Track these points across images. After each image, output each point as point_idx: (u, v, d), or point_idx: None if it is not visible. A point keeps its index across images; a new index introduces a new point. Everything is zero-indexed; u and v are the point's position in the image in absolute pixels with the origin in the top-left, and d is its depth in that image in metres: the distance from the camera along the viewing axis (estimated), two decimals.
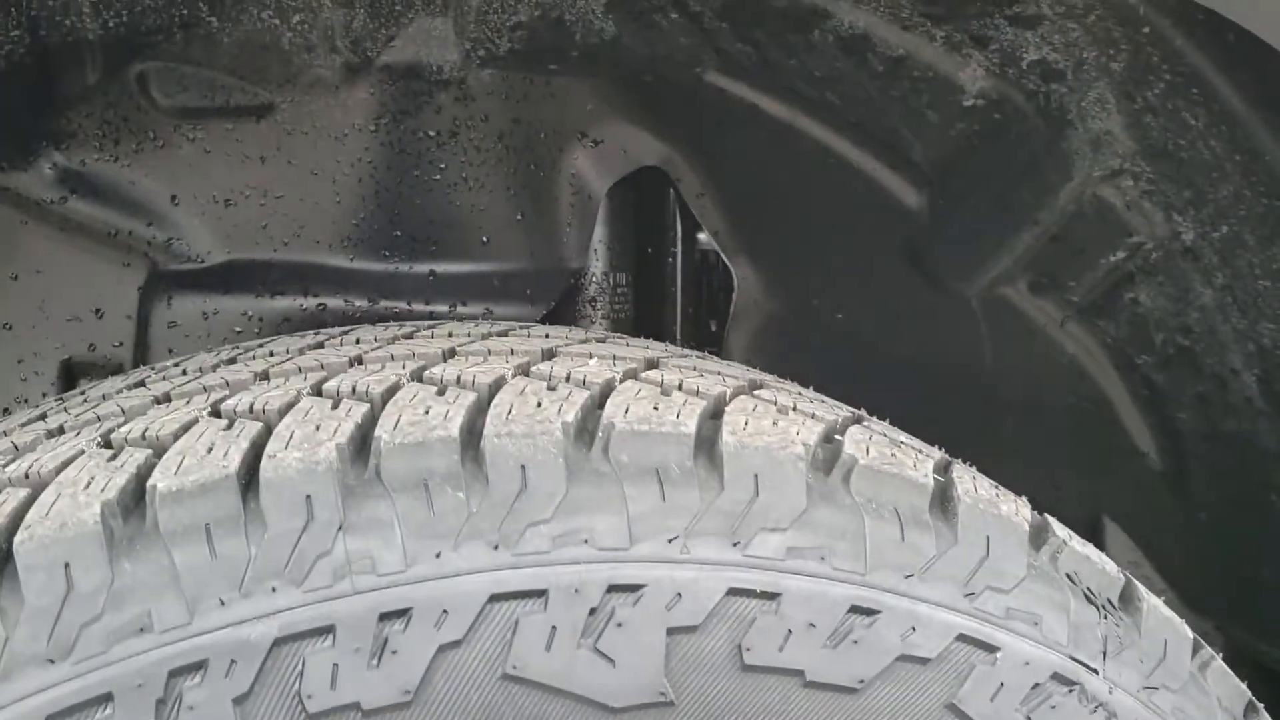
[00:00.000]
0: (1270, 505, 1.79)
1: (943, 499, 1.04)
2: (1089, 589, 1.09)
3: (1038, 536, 1.08)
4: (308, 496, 0.85)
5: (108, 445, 0.93)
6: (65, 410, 1.08)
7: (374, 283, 1.70)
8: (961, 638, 0.97)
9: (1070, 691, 1.01)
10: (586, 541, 0.89)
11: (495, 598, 0.86)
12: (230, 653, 0.81)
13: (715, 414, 1.01)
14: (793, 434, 0.99)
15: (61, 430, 1.01)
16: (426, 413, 0.92)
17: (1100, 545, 2.08)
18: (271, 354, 1.15)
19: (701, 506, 0.92)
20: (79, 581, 0.81)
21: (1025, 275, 1.82)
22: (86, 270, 1.69)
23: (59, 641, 0.80)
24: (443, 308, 1.72)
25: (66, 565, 0.81)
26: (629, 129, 1.78)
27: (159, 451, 0.90)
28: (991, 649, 0.98)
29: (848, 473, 0.99)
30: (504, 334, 1.23)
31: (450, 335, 1.22)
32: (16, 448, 0.98)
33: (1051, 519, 1.12)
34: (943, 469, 1.07)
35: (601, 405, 0.98)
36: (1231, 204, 1.53)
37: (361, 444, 0.91)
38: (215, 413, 0.96)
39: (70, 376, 1.71)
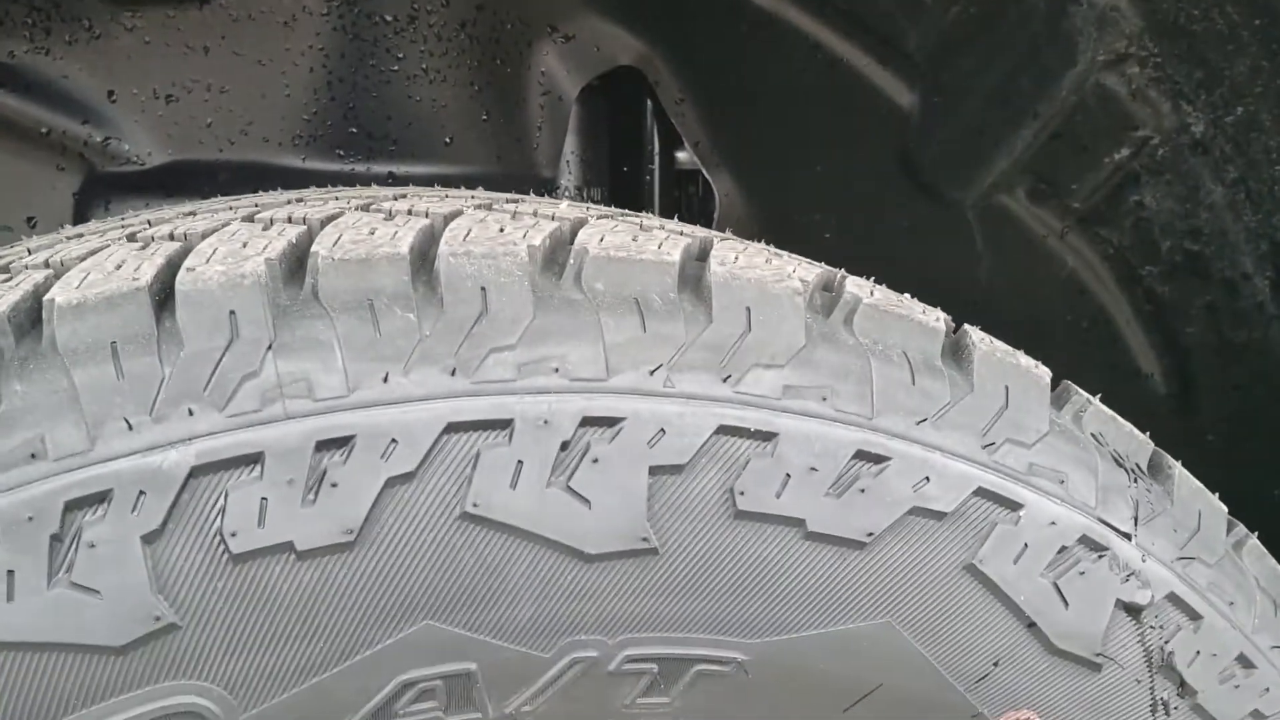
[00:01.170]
0: None
1: (955, 346, 0.93)
2: (1116, 451, 0.98)
3: (1061, 394, 0.97)
4: (231, 312, 0.73)
5: (4, 271, 0.81)
6: None
7: (328, 184, 1.58)
8: (980, 492, 0.86)
9: (1100, 557, 0.90)
10: (557, 371, 0.77)
11: (452, 427, 0.74)
12: (138, 483, 0.69)
13: (700, 254, 0.89)
14: (788, 270, 0.88)
15: None
16: (372, 233, 0.81)
17: None
18: (205, 204, 1.03)
19: (687, 339, 0.81)
20: None
21: (1024, 180, 1.72)
22: (16, 174, 1.57)
23: None
24: None
25: None
26: (603, 24, 1.66)
27: (61, 273, 0.78)
28: (1014, 506, 0.87)
29: (850, 313, 0.88)
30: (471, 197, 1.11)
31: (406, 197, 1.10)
32: None
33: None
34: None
35: (573, 240, 0.86)
36: (1248, 80, 1.43)
37: (297, 264, 0.79)
38: (130, 239, 0.84)
39: None
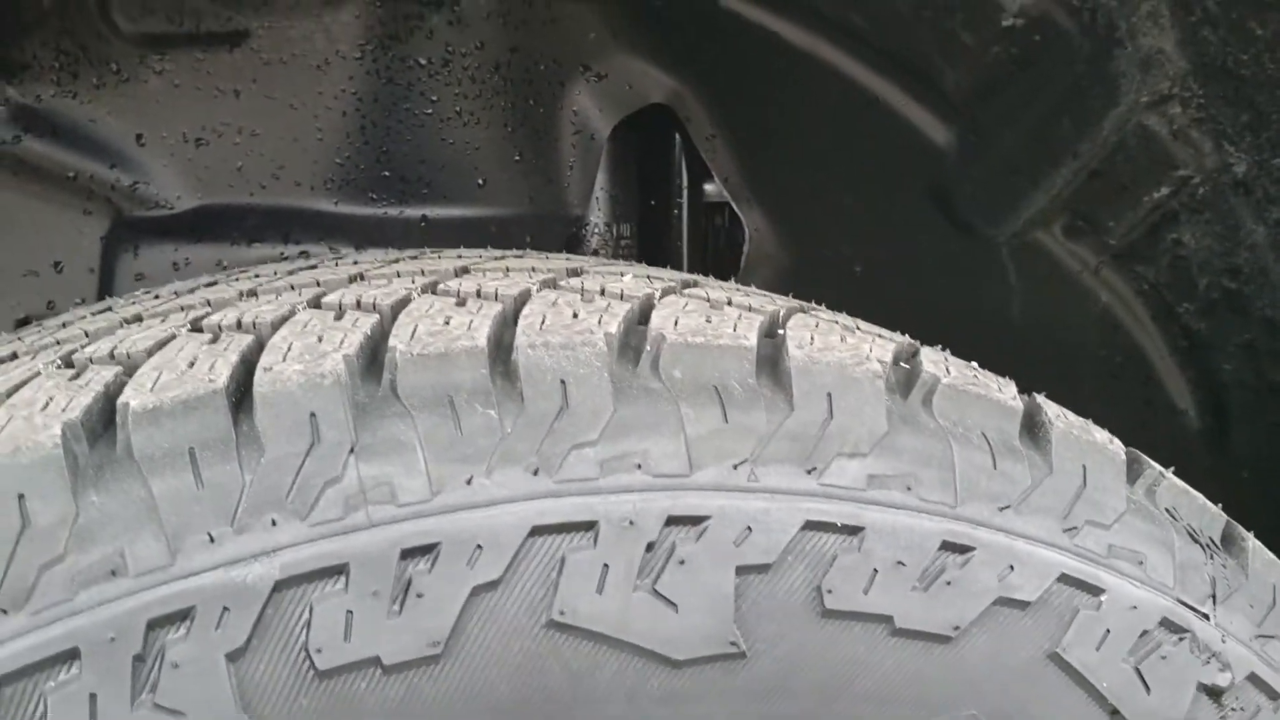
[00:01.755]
0: None
1: (1031, 424, 0.92)
2: (1191, 526, 0.96)
3: (1133, 467, 0.96)
4: (312, 414, 0.71)
5: (69, 365, 0.79)
6: (18, 340, 0.93)
7: (361, 229, 1.56)
8: (1064, 578, 0.84)
9: (1180, 640, 0.89)
10: (639, 467, 0.75)
11: (537, 530, 0.72)
12: (222, 599, 0.67)
13: (772, 331, 0.87)
14: (865, 350, 0.86)
15: (14, 356, 0.86)
16: (447, 323, 0.79)
17: None
18: (258, 275, 1.01)
19: (769, 429, 0.79)
20: (36, 516, 0.67)
21: (1060, 217, 1.71)
22: (43, 219, 1.54)
23: (13, 587, 0.66)
24: None
25: (20, 497, 0.67)
26: (635, 62, 1.65)
27: (130, 370, 0.75)
28: (1095, 591, 0.86)
29: (929, 393, 0.86)
30: (520, 255, 1.09)
31: (460, 256, 1.08)
32: None
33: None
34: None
35: (645, 319, 0.84)
36: None
37: (372, 357, 0.77)
38: (196, 329, 0.82)
39: None
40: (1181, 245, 1.66)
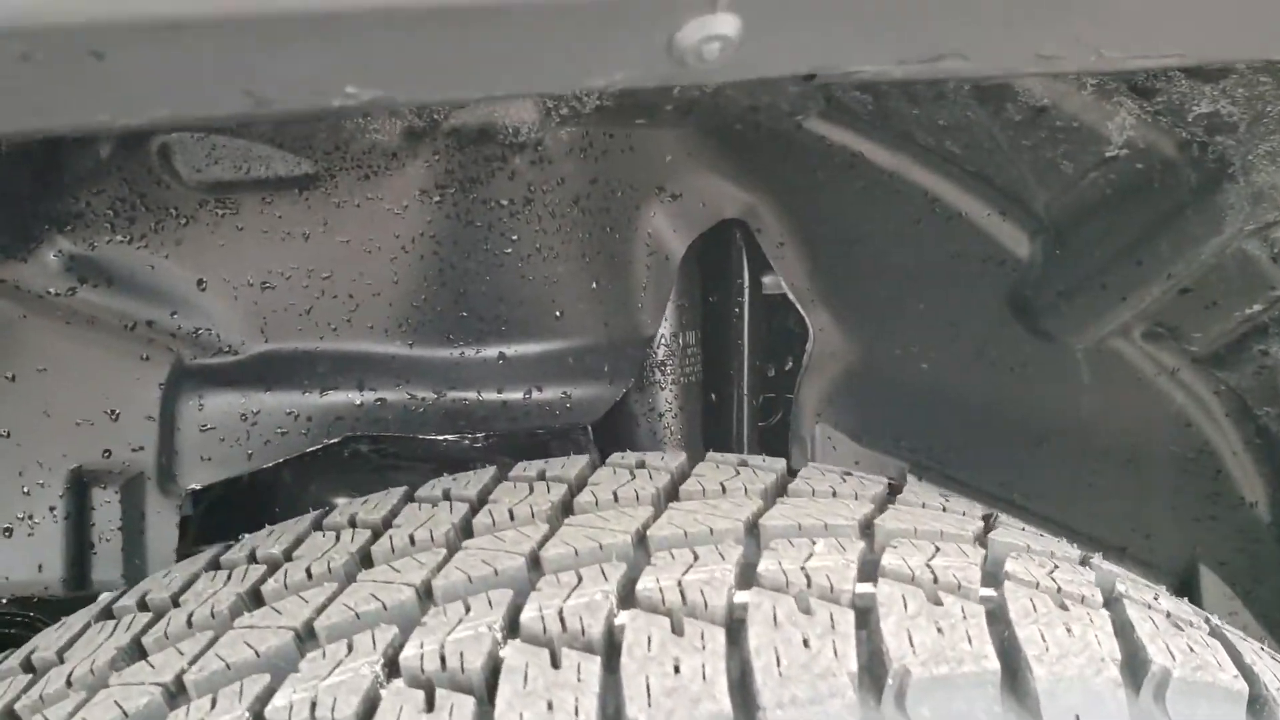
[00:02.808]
0: None
1: (1255, 704, 0.88)
2: None
3: None
4: None
5: None
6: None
7: (438, 371, 1.49)
8: None
9: None
10: None
11: None
12: None
13: (996, 618, 0.83)
14: (1097, 647, 0.81)
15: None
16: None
17: (1195, 594, 1.96)
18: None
19: None
20: None
21: (1142, 325, 1.68)
22: (98, 366, 1.45)
23: None
24: (516, 395, 1.51)
25: None
26: (711, 179, 1.58)
27: None
28: None
29: (1160, 689, 0.82)
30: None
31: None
32: None
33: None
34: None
35: (868, 627, 0.79)
36: None
37: None
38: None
39: (81, 486, 1.48)
40: (1268, 355, 1.64)
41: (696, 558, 0.86)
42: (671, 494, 1.01)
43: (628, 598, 0.81)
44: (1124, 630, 0.87)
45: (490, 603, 0.81)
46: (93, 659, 0.88)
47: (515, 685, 0.72)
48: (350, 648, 0.79)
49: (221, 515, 1.56)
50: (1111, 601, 0.91)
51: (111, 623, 0.98)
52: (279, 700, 0.75)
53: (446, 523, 0.95)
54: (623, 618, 0.78)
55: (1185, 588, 1.98)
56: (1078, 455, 1.93)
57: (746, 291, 1.81)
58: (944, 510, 1.10)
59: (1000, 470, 2.00)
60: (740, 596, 0.81)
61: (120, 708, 0.78)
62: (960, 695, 0.75)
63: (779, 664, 0.74)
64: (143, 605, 0.99)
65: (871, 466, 2.03)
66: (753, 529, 0.93)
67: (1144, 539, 1.95)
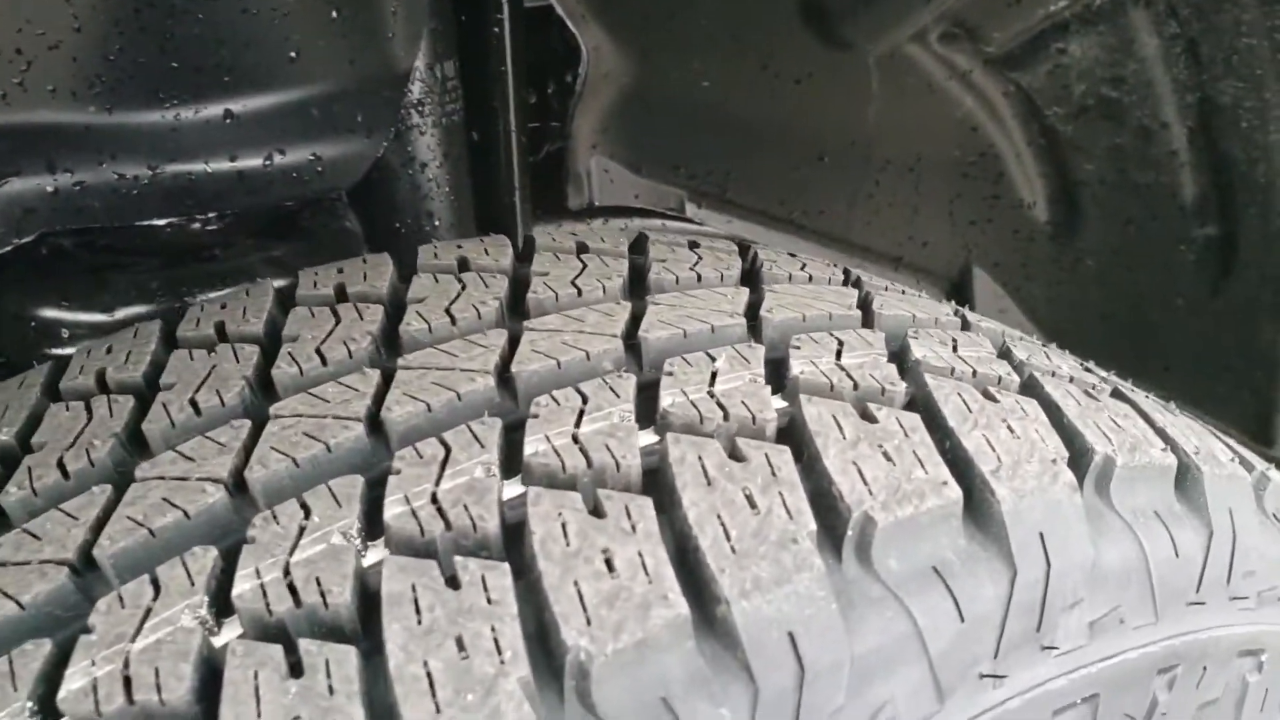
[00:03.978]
0: (1176, 253, 1.71)
1: (1183, 476, 0.80)
2: None
3: (1258, 481, 0.87)
4: None
5: None
6: None
7: (150, 141, 1.18)
8: (1240, 654, 0.77)
9: None
10: None
11: None
12: None
13: (933, 425, 0.70)
14: (1043, 446, 0.71)
15: None
16: None
17: (968, 295, 1.97)
18: None
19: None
20: None
21: (941, 26, 1.56)
22: None
23: None
24: (254, 162, 1.23)
25: None
26: None
27: None
28: (1257, 653, 0.79)
29: (1103, 480, 0.73)
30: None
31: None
32: None
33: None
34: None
35: (803, 461, 0.65)
36: None
37: None
38: None
39: None
40: (1065, 54, 1.57)
41: (585, 399, 0.67)
42: (514, 306, 0.81)
43: (513, 467, 0.63)
44: (1056, 417, 0.76)
45: (337, 499, 0.61)
46: None
47: (405, 621, 0.54)
48: (157, 588, 0.58)
49: None
50: (1027, 382, 0.80)
51: None
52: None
53: (238, 379, 0.73)
54: (515, 495, 0.61)
55: (958, 290, 1.98)
56: (860, 168, 1.84)
57: (506, 7, 1.55)
58: (804, 270, 0.95)
59: (781, 189, 1.88)
60: (648, 441, 0.65)
61: None
62: (926, 536, 0.63)
63: (728, 537, 0.59)
64: None
65: (650, 199, 1.87)
66: (631, 342, 0.75)
67: (920, 247, 1.92)
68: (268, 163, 1.23)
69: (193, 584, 0.58)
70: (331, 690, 0.51)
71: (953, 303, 1.05)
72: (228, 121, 1.21)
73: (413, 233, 1.50)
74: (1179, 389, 1.67)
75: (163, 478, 0.65)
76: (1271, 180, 1.49)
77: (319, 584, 0.56)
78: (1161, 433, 0.82)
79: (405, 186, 1.48)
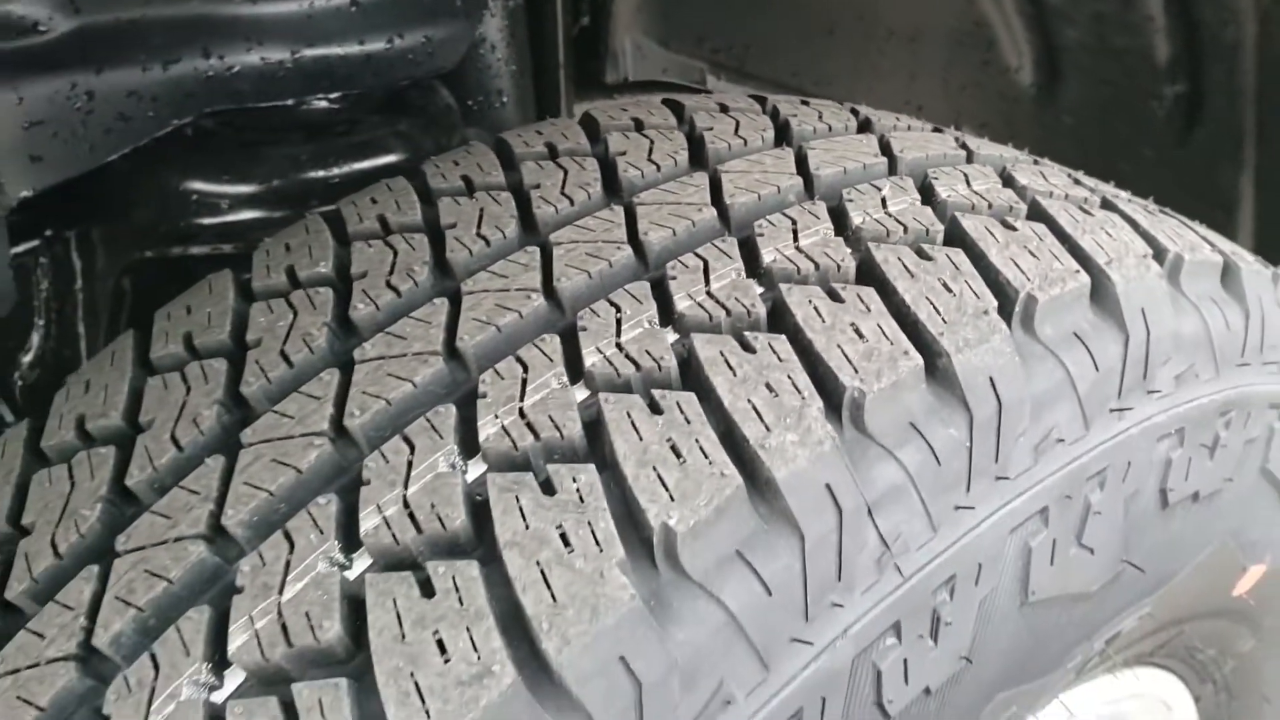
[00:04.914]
0: (1147, 109, 1.92)
1: (1226, 272, 1.03)
2: None
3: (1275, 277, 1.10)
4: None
5: None
6: None
7: (289, 28, 1.33)
8: (1272, 405, 1.01)
9: None
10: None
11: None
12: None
13: (1059, 233, 0.91)
14: (1136, 245, 0.93)
15: None
16: None
17: None
18: None
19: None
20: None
21: None
22: None
23: None
24: (379, 45, 1.38)
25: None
26: None
27: None
28: None
29: (1174, 270, 0.95)
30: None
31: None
32: None
33: None
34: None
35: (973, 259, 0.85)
36: None
37: None
38: None
39: None
40: None
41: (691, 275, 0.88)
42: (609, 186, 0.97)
43: (576, 374, 0.83)
44: (1137, 226, 0.98)
45: (436, 429, 0.74)
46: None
47: (515, 527, 0.67)
48: (290, 542, 0.69)
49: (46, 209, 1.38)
50: (1105, 202, 1.01)
51: None
52: None
53: (319, 325, 0.85)
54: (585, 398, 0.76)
55: None
56: (865, 39, 2.02)
57: None
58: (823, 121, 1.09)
59: (795, 61, 2.06)
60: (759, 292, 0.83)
61: None
62: (1067, 310, 0.84)
63: (938, 311, 0.79)
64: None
65: (675, 72, 2.04)
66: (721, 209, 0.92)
67: (915, 110, 2.11)
68: (389, 45, 1.38)
69: (321, 531, 0.68)
70: (461, 601, 0.63)
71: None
72: (353, 9, 1.36)
73: (484, 110, 1.66)
74: None
75: (268, 440, 0.75)
76: (1239, 40, 1.70)
77: (435, 509, 0.68)
78: (1204, 238, 1.05)
79: (479, 66, 1.63)
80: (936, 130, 1.13)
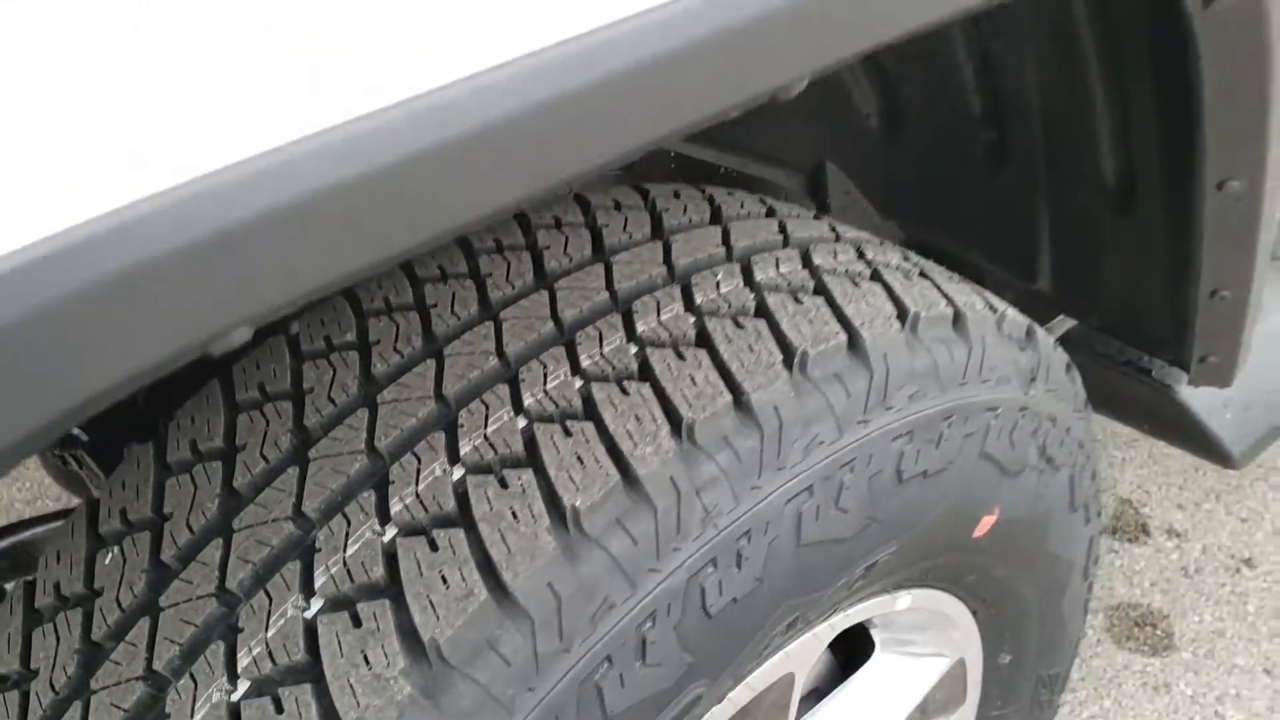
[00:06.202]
0: (970, 151, 2.39)
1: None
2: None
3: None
4: None
5: None
6: None
7: None
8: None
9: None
10: None
11: None
12: None
13: None
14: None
15: None
16: None
17: (823, 185, 2.66)
18: None
19: None
20: None
21: None
22: None
23: None
24: None
25: None
26: None
27: None
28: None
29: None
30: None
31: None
32: None
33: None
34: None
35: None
36: None
37: None
38: None
39: None
40: None
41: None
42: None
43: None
44: (892, 293, 1.46)
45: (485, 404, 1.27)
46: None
47: (558, 438, 1.21)
48: (346, 520, 1.04)
49: None
50: (875, 274, 1.49)
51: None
52: None
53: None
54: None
55: (814, 182, 2.66)
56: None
57: None
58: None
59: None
60: None
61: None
62: (830, 360, 1.33)
63: None
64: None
65: None
66: (669, 266, 1.41)
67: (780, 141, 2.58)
68: None
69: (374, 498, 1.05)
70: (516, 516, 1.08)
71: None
72: None
73: None
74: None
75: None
76: (1029, 104, 2.18)
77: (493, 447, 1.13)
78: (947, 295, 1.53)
79: None
80: (770, 214, 1.59)
